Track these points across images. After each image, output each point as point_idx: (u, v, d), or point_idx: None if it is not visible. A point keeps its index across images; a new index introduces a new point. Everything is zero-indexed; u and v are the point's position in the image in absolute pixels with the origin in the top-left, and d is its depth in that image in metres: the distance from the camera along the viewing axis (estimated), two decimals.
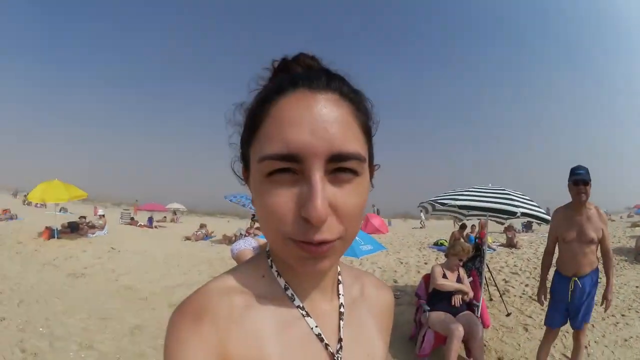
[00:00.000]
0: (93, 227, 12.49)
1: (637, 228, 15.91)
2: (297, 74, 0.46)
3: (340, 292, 0.59)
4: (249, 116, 0.48)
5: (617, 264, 9.24)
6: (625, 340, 4.39)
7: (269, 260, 0.54)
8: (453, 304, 3.77)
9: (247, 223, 13.37)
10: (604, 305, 3.09)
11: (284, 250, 0.45)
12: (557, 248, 3.17)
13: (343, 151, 0.41)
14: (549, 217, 4.34)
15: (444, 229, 19.93)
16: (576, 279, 2.95)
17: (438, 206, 5.67)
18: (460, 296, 3.83)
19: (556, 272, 3.05)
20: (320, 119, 0.41)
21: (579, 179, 2.84)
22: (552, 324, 3.10)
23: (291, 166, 0.41)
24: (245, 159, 0.51)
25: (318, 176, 0.41)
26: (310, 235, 0.41)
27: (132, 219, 19.13)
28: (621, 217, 30.21)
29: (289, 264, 0.46)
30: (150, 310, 5.18)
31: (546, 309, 3.14)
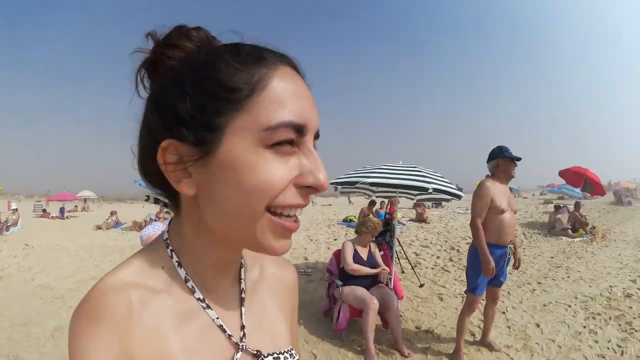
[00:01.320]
0: (7, 226, 11.60)
1: (549, 205, 17.77)
2: (278, 51, 0.46)
3: (242, 276, 0.57)
4: (222, 81, 0.42)
5: (531, 237, 10.34)
6: (545, 306, 4.80)
7: (169, 250, 0.50)
8: (381, 281, 3.81)
9: (157, 207, 13.06)
10: (516, 268, 3.38)
11: (259, 229, 0.43)
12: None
13: (318, 129, 0.46)
14: (460, 193, 4.67)
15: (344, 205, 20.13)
16: (511, 245, 3.22)
17: (347, 186, 5.63)
18: (385, 273, 3.88)
19: (490, 244, 3.12)
20: (310, 98, 0.45)
21: (514, 157, 3.13)
22: (482, 291, 3.24)
23: (295, 137, 0.42)
24: (198, 130, 0.42)
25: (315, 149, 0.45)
26: (301, 199, 0.44)
27: (44, 210, 17.91)
28: (533, 195, 34.12)
29: (262, 245, 0.45)
30: (68, 308, 4.74)
31: (471, 279, 3.22)
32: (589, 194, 14.86)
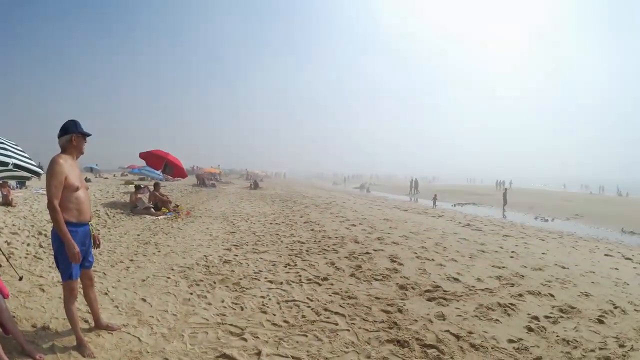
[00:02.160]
0: None
1: (130, 185, 18.71)
2: None
3: None
4: None
5: (114, 216, 10.52)
6: (143, 281, 5.02)
7: None
8: None
9: None
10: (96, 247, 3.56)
11: None
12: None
13: None
14: (40, 170, 4.73)
15: None
16: (92, 223, 3.40)
17: None
18: None
19: (72, 223, 3.12)
20: None
21: (86, 133, 3.34)
22: (78, 274, 3.19)
23: None
24: None
25: None
26: None
27: None
28: (114, 176, 35.75)
29: None
30: None
31: (62, 265, 3.12)
32: (169, 176, 16.92)
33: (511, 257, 7.46)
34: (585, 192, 53.91)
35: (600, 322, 4.21)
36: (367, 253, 7.03)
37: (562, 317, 4.32)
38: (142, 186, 13.58)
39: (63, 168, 3.10)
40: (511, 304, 4.61)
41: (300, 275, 5.46)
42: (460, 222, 13.57)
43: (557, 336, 3.78)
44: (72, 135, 3.24)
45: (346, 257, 6.65)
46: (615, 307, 4.70)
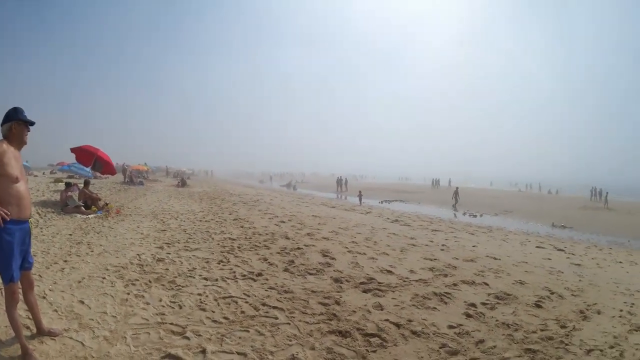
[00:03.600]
0: None
1: (59, 183, 17.09)
2: None
3: None
4: None
5: (46, 215, 9.63)
6: (79, 282, 4.71)
7: None
8: None
9: None
10: None
11: None
12: None
13: None
14: None
15: None
16: (30, 219, 3.11)
17: None
18: None
19: (12, 220, 2.79)
20: None
21: (28, 120, 3.05)
22: (18, 277, 2.92)
23: None
24: None
25: None
26: None
27: None
28: (44, 173, 32.29)
29: None
30: None
31: (2, 267, 2.81)
32: (98, 173, 15.78)
33: (442, 250, 7.75)
34: (513, 189, 56.41)
35: (538, 306, 4.46)
36: (299, 248, 7.10)
37: (499, 303, 4.52)
38: (72, 184, 12.60)
39: (5, 155, 2.80)
40: (447, 292, 4.78)
41: (234, 272, 5.42)
42: (388, 218, 13.98)
43: (497, 320, 3.94)
44: (12, 123, 2.95)
45: (278, 253, 6.69)
46: (552, 293, 5.00)
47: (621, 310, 4.51)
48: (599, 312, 4.41)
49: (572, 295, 5.06)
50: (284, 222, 10.71)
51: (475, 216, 19.79)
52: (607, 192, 32.25)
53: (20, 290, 3.07)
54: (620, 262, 8.25)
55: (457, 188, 29.15)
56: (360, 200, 24.89)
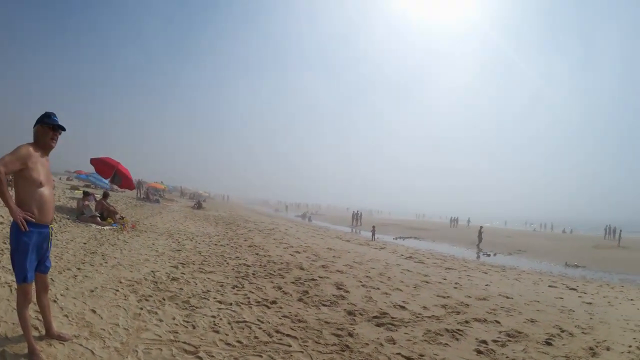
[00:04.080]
0: None
1: (76, 191, 17.29)
2: None
3: None
4: None
5: (61, 221, 9.63)
6: (92, 291, 4.59)
7: None
8: None
9: None
10: None
11: None
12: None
13: None
14: None
15: None
16: (53, 225, 3.06)
17: None
18: None
19: (31, 223, 2.76)
20: None
21: (57, 125, 2.98)
22: (32, 277, 2.87)
23: None
24: None
25: None
26: None
27: None
28: (60, 179, 32.87)
29: None
30: None
31: (18, 266, 2.78)
32: (116, 186, 15.91)
33: (455, 287, 7.61)
34: (528, 229, 55.60)
35: (549, 344, 4.41)
36: (313, 279, 6.90)
37: (509, 340, 4.46)
38: (90, 193, 12.68)
39: (25, 153, 2.78)
40: (458, 329, 4.70)
41: (248, 298, 5.23)
42: (402, 255, 13.72)
43: (507, 357, 3.90)
44: (37, 126, 2.93)
45: (292, 283, 6.48)
46: (563, 331, 4.95)
47: (630, 347, 4.51)
48: (608, 349, 4.40)
49: (583, 332, 5.02)
50: (298, 252, 10.49)
51: (488, 255, 19.40)
52: (620, 230, 31.25)
53: (34, 292, 3.01)
54: (632, 300, 8.07)
55: (481, 227, 27.19)
56: (373, 235, 24.29)
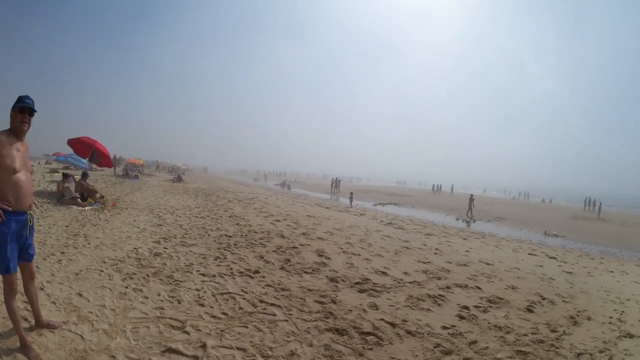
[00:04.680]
0: None
1: (56, 174, 16.90)
2: None
3: None
4: None
5: (42, 206, 9.52)
6: (77, 274, 4.67)
7: None
8: None
9: None
10: None
11: None
12: None
13: None
14: None
15: None
16: (31, 211, 3.01)
17: None
18: None
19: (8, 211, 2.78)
20: None
21: (26, 107, 2.93)
22: (16, 267, 2.89)
23: None
24: None
25: None
26: None
27: None
28: (39, 163, 31.80)
29: None
30: None
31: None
32: (95, 165, 15.65)
33: (435, 253, 7.83)
34: (507, 197, 56.10)
35: (530, 311, 4.56)
36: (294, 247, 7.09)
37: (491, 306, 4.62)
38: (69, 175, 12.48)
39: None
40: (440, 295, 4.87)
41: (231, 269, 5.41)
42: (382, 221, 14.02)
43: (489, 323, 4.04)
44: (11, 111, 2.91)
45: (274, 251, 6.67)
46: (543, 299, 5.11)
47: (611, 317, 4.59)
48: (589, 318, 4.49)
49: (563, 301, 5.14)
50: (279, 220, 10.69)
51: (468, 222, 19.83)
52: (600, 203, 32.39)
53: (21, 281, 3.05)
54: (612, 272, 8.30)
55: (471, 195, 25.78)
56: (351, 201, 24.61)
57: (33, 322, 3.22)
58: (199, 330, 3.41)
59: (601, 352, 3.55)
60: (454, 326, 3.88)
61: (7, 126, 2.90)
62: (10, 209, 2.74)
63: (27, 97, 2.95)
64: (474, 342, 3.54)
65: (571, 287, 6.05)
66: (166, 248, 6.36)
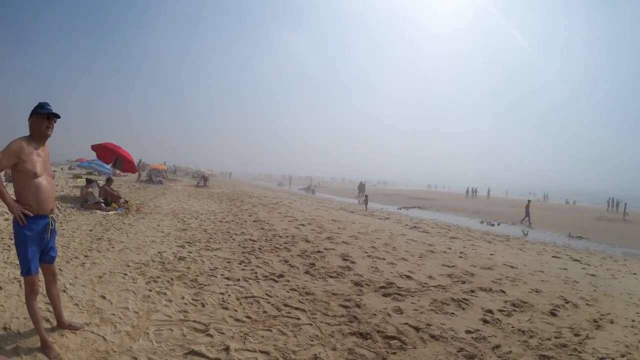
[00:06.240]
0: None
1: (79, 179, 17.41)
2: None
3: None
4: None
5: (65, 210, 9.71)
6: (100, 277, 4.68)
7: None
8: None
9: None
10: None
11: None
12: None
13: None
14: None
15: None
16: (53, 215, 3.04)
17: None
18: None
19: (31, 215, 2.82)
20: None
21: (52, 113, 2.98)
22: (37, 269, 2.90)
23: None
24: None
25: None
26: None
27: None
28: (62, 169, 33.01)
29: None
30: None
31: (22, 258, 2.82)
32: (119, 171, 15.96)
33: (460, 257, 7.74)
34: (531, 199, 55.62)
35: (553, 314, 4.50)
36: (319, 252, 7.02)
37: (515, 310, 4.56)
38: (92, 180, 12.75)
39: (17, 147, 2.78)
40: (464, 299, 4.80)
41: (256, 273, 5.35)
42: (407, 225, 13.87)
43: (513, 327, 3.98)
44: (31, 118, 2.94)
45: (299, 256, 6.60)
46: (567, 302, 5.05)
47: (633, 321, 4.55)
48: (612, 322, 4.46)
49: (587, 304, 5.10)
50: (303, 225, 10.61)
51: (492, 225, 19.35)
52: (625, 204, 30.96)
53: (43, 283, 3.07)
54: (635, 274, 8.04)
55: (529, 201, 23.78)
56: (366, 204, 24.18)
57: (55, 323, 3.22)
58: (223, 333, 3.34)
59: (623, 356, 3.52)
60: (478, 330, 3.86)
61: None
62: (32, 214, 2.78)
63: (47, 103, 3.00)
64: (498, 346, 3.52)
65: (595, 290, 5.98)
66: (190, 252, 6.36)
